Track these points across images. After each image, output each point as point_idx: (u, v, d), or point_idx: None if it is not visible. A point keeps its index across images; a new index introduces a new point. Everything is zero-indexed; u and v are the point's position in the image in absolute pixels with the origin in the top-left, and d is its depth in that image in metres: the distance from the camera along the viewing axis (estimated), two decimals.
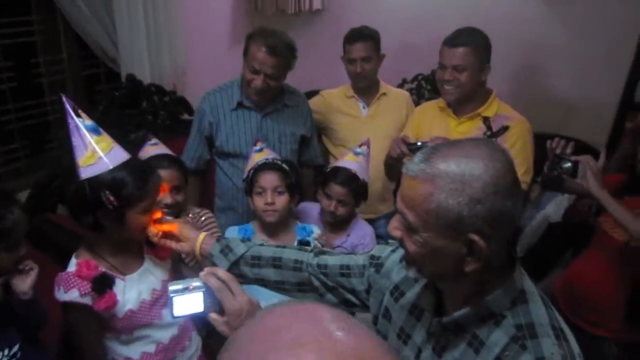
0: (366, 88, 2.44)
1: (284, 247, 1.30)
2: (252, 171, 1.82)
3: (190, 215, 1.88)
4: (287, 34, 2.06)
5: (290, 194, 1.79)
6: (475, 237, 0.81)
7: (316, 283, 1.21)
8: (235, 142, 2.11)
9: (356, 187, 1.92)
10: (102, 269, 1.34)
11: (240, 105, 2.10)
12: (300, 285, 1.23)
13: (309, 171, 2.36)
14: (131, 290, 1.38)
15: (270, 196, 1.75)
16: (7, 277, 1.31)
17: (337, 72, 2.53)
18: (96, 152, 1.24)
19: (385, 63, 2.44)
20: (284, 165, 1.80)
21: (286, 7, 3.11)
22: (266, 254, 1.25)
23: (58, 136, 2.47)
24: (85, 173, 1.23)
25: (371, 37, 2.34)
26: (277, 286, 1.26)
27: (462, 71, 1.89)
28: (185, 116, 2.70)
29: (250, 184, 1.81)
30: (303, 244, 1.79)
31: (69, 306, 1.31)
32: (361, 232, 2.02)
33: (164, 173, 1.62)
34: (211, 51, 2.92)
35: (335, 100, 2.49)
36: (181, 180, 1.79)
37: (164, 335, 1.46)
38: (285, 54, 1.98)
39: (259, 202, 1.77)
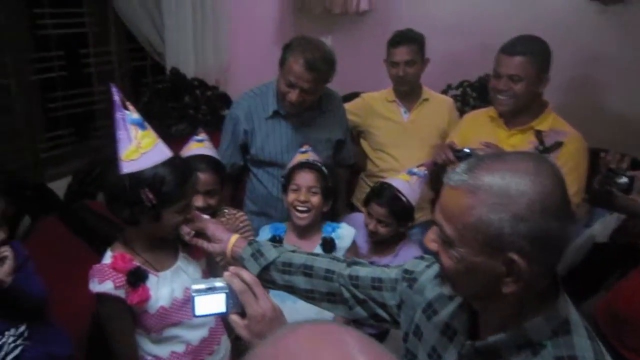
0: (408, 92, 2.39)
1: (316, 255, 1.27)
2: (291, 169, 1.82)
3: (225, 217, 1.86)
4: (327, 42, 1.99)
5: (324, 196, 1.77)
6: (515, 257, 0.76)
7: (346, 295, 1.17)
8: (270, 150, 2.06)
9: (398, 209, 1.87)
10: (137, 263, 1.34)
11: (275, 113, 2.04)
12: (330, 295, 1.19)
13: (343, 171, 2.33)
14: (164, 287, 1.37)
15: (304, 194, 1.75)
16: None
17: (381, 75, 2.49)
18: (140, 148, 1.23)
19: (429, 68, 2.38)
20: (323, 168, 1.79)
21: (333, 7, 3.09)
22: (297, 261, 1.22)
23: (103, 125, 2.53)
24: (127, 167, 1.22)
25: (416, 40, 2.28)
26: (306, 295, 1.22)
27: (517, 81, 1.81)
28: (226, 111, 2.71)
29: (287, 181, 1.82)
30: (326, 241, 1.78)
31: (102, 298, 1.31)
32: (410, 255, 1.96)
33: (200, 176, 1.62)
34: (255, 48, 2.93)
35: (376, 104, 2.45)
36: (216, 185, 1.76)
37: (194, 336, 1.45)
38: (323, 69, 1.89)
39: (292, 197, 1.77)
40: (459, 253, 0.82)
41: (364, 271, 1.17)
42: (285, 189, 1.83)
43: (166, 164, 1.25)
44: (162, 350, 1.43)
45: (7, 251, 1.30)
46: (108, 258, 1.34)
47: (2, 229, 1.32)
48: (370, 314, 1.16)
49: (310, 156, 1.85)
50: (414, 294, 1.07)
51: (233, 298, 0.99)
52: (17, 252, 1.37)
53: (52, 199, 2.09)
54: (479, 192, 0.78)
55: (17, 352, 1.33)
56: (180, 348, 1.44)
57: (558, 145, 1.78)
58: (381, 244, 1.98)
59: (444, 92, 3.09)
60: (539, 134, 1.82)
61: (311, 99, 1.96)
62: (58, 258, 1.85)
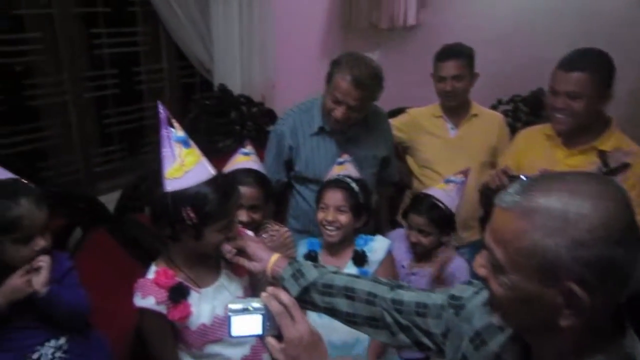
0: (456, 108, 2.32)
1: (357, 276, 1.23)
2: (321, 187, 1.82)
3: (268, 233, 1.84)
4: (374, 57, 1.96)
5: (355, 214, 1.74)
6: (575, 287, 0.70)
7: (389, 320, 1.12)
8: (315, 168, 2.03)
9: (437, 216, 1.85)
10: (179, 279, 1.34)
11: (321, 130, 2.02)
12: (372, 320, 1.15)
13: (387, 189, 2.28)
14: (205, 304, 1.37)
15: (332, 213, 1.73)
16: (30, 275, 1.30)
17: (428, 91, 2.44)
18: (183, 166, 1.23)
19: (479, 82, 2.31)
20: (353, 185, 1.76)
21: (380, 23, 3.08)
22: (339, 283, 1.19)
23: (152, 141, 2.60)
24: (171, 186, 1.22)
25: (464, 54, 2.22)
26: (347, 319, 1.18)
27: (576, 99, 1.70)
28: (271, 127, 2.73)
29: (317, 198, 1.81)
30: (357, 254, 1.75)
31: (144, 313, 1.32)
32: (455, 265, 1.92)
33: (244, 190, 1.62)
34: (301, 64, 2.95)
35: (422, 120, 2.40)
36: (261, 200, 1.74)
37: (236, 354, 1.43)
38: (371, 87, 1.87)
39: (320, 216, 1.76)
40: (510, 280, 0.76)
41: (408, 295, 1.12)
42: (317, 205, 1.82)
43: (209, 182, 1.24)
44: None
45: (43, 261, 1.31)
46: (151, 273, 1.35)
47: (45, 237, 1.33)
48: (414, 341, 1.10)
49: (347, 168, 1.83)
50: (461, 322, 1.01)
51: (270, 320, 0.96)
52: (60, 263, 1.40)
53: (102, 211, 2.15)
54: (533, 215, 0.72)
55: None
56: None
57: (624, 166, 1.65)
58: (423, 255, 1.96)
59: (494, 107, 3.00)
60: (602, 154, 1.70)
61: (357, 116, 1.93)
62: (106, 270, 1.89)
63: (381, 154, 2.13)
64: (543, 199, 0.73)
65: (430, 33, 3.24)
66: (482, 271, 0.82)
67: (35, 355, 1.35)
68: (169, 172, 1.22)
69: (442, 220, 1.86)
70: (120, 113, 2.47)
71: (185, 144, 1.25)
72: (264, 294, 0.98)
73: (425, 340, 1.09)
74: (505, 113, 2.93)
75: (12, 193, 1.26)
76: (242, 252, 1.32)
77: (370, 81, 1.85)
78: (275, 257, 1.27)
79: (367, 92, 1.87)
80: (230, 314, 0.98)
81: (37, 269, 1.30)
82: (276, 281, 1.24)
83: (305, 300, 1.19)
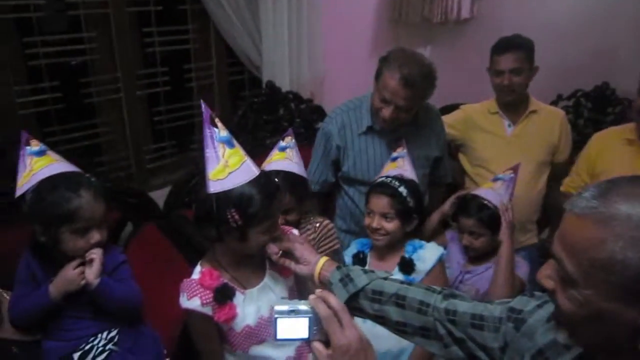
0: (513, 104, 2.20)
1: (409, 283, 1.17)
2: (369, 189, 1.74)
3: (312, 224, 1.80)
4: (426, 59, 1.85)
5: (403, 219, 1.66)
6: None
7: (442, 331, 1.05)
8: (363, 168, 1.97)
9: (486, 217, 1.79)
10: (224, 279, 1.33)
11: (369, 129, 1.96)
12: (424, 330, 1.09)
13: (439, 190, 2.19)
14: (250, 306, 1.35)
15: (377, 220, 1.66)
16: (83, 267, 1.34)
17: (483, 87, 2.33)
18: (227, 167, 1.20)
19: (538, 77, 2.18)
20: (401, 189, 1.65)
21: (432, 16, 2.97)
22: (389, 290, 1.13)
23: (200, 138, 2.62)
24: (214, 187, 1.19)
25: (523, 47, 2.10)
26: (397, 328, 1.13)
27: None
28: (320, 124, 2.70)
29: (366, 200, 1.74)
30: (404, 261, 1.67)
31: (190, 313, 1.32)
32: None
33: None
34: (350, 61, 2.89)
35: (477, 116, 2.29)
36: (292, 202, 1.67)
37: (280, 356, 1.41)
38: (421, 86, 1.77)
39: (367, 221, 1.70)
40: (582, 295, 0.68)
41: (463, 306, 1.04)
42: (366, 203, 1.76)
43: (253, 183, 1.21)
44: None
45: (95, 253, 1.34)
46: (197, 273, 1.34)
47: (100, 231, 1.36)
48: (468, 355, 1.03)
49: (401, 165, 1.75)
50: (522, 338, 0.93)
51: (317, 324, 0.93)
52: (112, 256, 1.43)
53: (152, 207, 2.18)
54: (613, 223, 0.64)
55: (103, 356, 1.37)
56: None
57: None
58: (478, 258, 1.90)
59: (554, 103, 2.84)
60: None
61: (406, 117, 1.85)
62: (155, 265, 1.91)
63: (433, 154, 2.04)
64: (625, 205, 0.65)
65: (484, 26, 3.10)
66: (548, 283, 0.75)
67: (87, 347, 1.38)
68: (212, 174, 1.19)
69: (492, 220, 1.79)
70: (171, 110, 2.51)
71: (229, 144, 1.22)
72: (311, 297, 0.94)
73: (481, 354, 1.01)
74: (567, 109, 2.77)
75: (74, 185, 1.30)
76: (288, 253, 1.29)
77: (420, 80, 1.76)
78: (322, 260, 1.23)
79: (417, 92, 1.78)
80: (276, 315, 0.96)
81: (90, 261, 1.33)
82: (323, 285, 1.20)
83: (353, 307, 1.14)
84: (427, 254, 1.69)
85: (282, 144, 1.70)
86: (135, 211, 2.13)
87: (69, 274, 1.32)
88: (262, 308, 1.36)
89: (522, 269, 1.84)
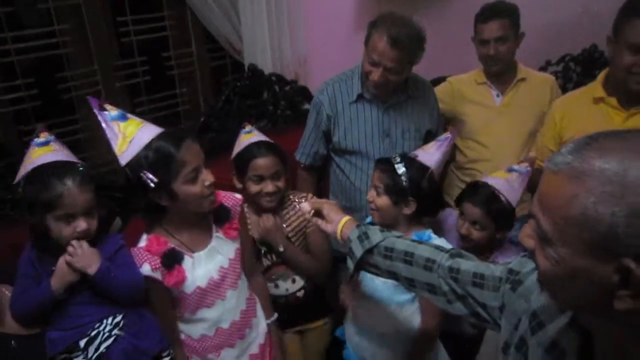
0: (501, 73, 2.15)
1: (420, 242, 1.20)
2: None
3: (290, 200, 1.84)
4: (416, 22, 1.81)
5: (394, 198, 1.57)
6: (632, 265, 0.60)
7: (445, 288, 1.09)
8: (354, 138, 1.95)
9: (495, 210, 1.66)
10: (171, 245, 1.38)
11: (360, 97, 1.94)
12: (430, 286, 1.12)
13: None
14: (199, 268, 1.42)
15: (370, 193, 1.63)
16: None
17: (468, 57, 2.27)
18: (126, 137, 1.27)
19: (525, 43, 2.13)
20: (398, 166, 1.58)
21: None
22: (399, 247, 1.19)
23: (187, 126, 2.58)
24: (123, 159, 1.26)
25: (508, 13, 2.04)
26: (408, 283, 1.18)
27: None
28: (306, 106, 2.65)
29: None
30: None
31: (145, 281, 1.37)
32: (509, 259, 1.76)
33: (262, 161, 1.69)
34: (333, 38, 2.82)
35: (464, 88, 2.24)
36: (279, 166, 1.73)
37: (225, 319, 1.49)
38: (409, 47, 1.75)
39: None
40: (557, 253, 0.66)
41: (467, 265, 1.06)
42: None
43: (153, 140, 1.27)
44: (193, 331, 1.48)
45: (72, 245, 1.32)
46: (143, 241, 1.39)
47: (88, 220, 1.33)
48: (470, 312, 1.05)
49: (427, 147, 1.67)
50: (518, 299, 0.92)
51: None
52: (111, 242, 1.43)
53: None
54: (585, 178, 0.62)
55: (110, 341, 1.37)
56: (210, 331, 1.49)
57: None
58: (474, 250, 1.74)
59: (543, 69, 2.79)
60: None
61: (395, 80, 1.83)
62: None
63: (425, 127, 2.00)
64: (599, 160, 0.62)
65: None
66: (528, 242, 0.73)
67: (93, 333, 1.37)
68: (117, 149, 1.27)
69: (501, 215, 1.67)
70: (153, 100, 2.45)
71: (122, 118, 1.29)
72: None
73: (481, 312, 1.02)
74: (556, 74, 2.72)
75: (60, 173, 1.30)
76: (317, 213, 1.39)
77: (409, 41, 1.73)
78: (345, 219, 1.32)
79: (406, 53, 1.75)
80: None
81: (70, 254, 1.32)
82: (344, 242, 1.29)
83: (369, 263, 1.23)
84: None
85: (244, 130, 1.80)
86: (122, 206, 2.10)
87: (61, 265, 1.32)
88: (212, 270, 1.44)
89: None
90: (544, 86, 2.19)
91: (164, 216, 1.39)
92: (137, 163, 1.26)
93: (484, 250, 1.75)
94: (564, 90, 2.61)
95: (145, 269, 1.34)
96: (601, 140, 0.65)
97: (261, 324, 1.63)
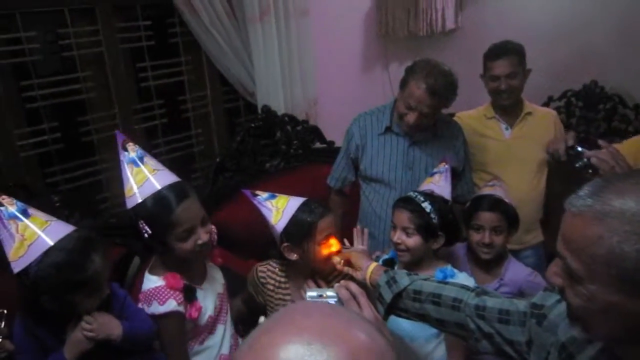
0: (509, 107, 2.23)
1: (446, 283, 1.23)
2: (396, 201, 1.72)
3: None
4: (449, 69, 1.94)
5: (426, 235, 1.58)
6: None
7: (472, 326, 1.09)
8: (378, 167, 2.05)
9: (506, 211, 1.78)
10: (183, 280, 1.43)
11: (388, 129, 2.05)
12: (458, 326, 1.14)
13: (459, 207, 2.19)
14: (208, 298, 1.48)
15: (398, 235, 1.61)
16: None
17: (473, 94, 2.35)
18: (135, 184, 1.33)
19: (527, 81, 2.22)
20: (424, 205, 1.59)
21: (418, 30, 3.03)
22: (427, 289, 1.20)
23: (202, 167, 2.64)
24: (129, 203, 1.33)
25: (515, 51, 2.14)
26: (438, 324, 1.19)
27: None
28: (317, 144, 2.72)
29: (392, 212, 1.70)
30: None
31: (167, 317, 1.38)
32: (518, 273, 1.82)
33: (325, 222, 1.50)
34: (342, 79, 2.93)
35: (474, 122, 2.32)
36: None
37: (225, 345, 1.54)
38: (445, 95, 1.89)
39: (391, 235, 1.67)
40: (588, 291, 0.70)
41: (492, 302, 1.08)
42: None
43: (157, 192, 1.32)
44: None
45: (87, 321, 1.26)
46: (155, 281, 1.40)
47: (108, 285, 1.30)
48: (496, 349, 1.06)
49: (436, 180, 1.73)
50: (544, 332, 0.94)
51: (341, 306, 1.06)
52: (115, 295, 1.39)
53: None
54: (608, 219, 0.67)
55: None
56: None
57: None
58: (485, 269, 1.84)
59: (546, 104, 2.89)
60: None
61: (429, 122, 1.96)
62: None
63: (449, 164, 2.05)
64: (618, 201, 0.67)
65: (470, 35, 3.15)
66: (557, 280, 0.77)
67: None
68: (127, 192, 1.34)
69: (511, 214, 1.79)
70: (169, 141, 2.52)
71: (135, 163, 1.37)
72: (336, 284, 1.12)
73: (508, 349, 1.04)
74: (558, 109, 2.81)
75: (85, 251, 1.24)
76: (348, 262, 1.45)
77: (444, 90, 1.87)
78: (372, 265, 1.36)
79: (442, 100, 1.89)
80: (308, 299, 1.12)
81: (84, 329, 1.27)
82: (374, 288, 1.31)
83: (399, 307, 1.24)
84: None
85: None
86: (139, 245, 2.12)
87: (77, 336, 1.27)
88: (214, 298, 1.51)
89: (520, 270, 1.82)
90: (548, 119, 2.28)
91: (168, 256, 1.43)
92: (138, 211, 1.32)
93: (493, 267, 1.83)
94: (567, 125, 2.70)
95: (172, 305, 1.37)
96: (616, 181, 0.70)
97: None
